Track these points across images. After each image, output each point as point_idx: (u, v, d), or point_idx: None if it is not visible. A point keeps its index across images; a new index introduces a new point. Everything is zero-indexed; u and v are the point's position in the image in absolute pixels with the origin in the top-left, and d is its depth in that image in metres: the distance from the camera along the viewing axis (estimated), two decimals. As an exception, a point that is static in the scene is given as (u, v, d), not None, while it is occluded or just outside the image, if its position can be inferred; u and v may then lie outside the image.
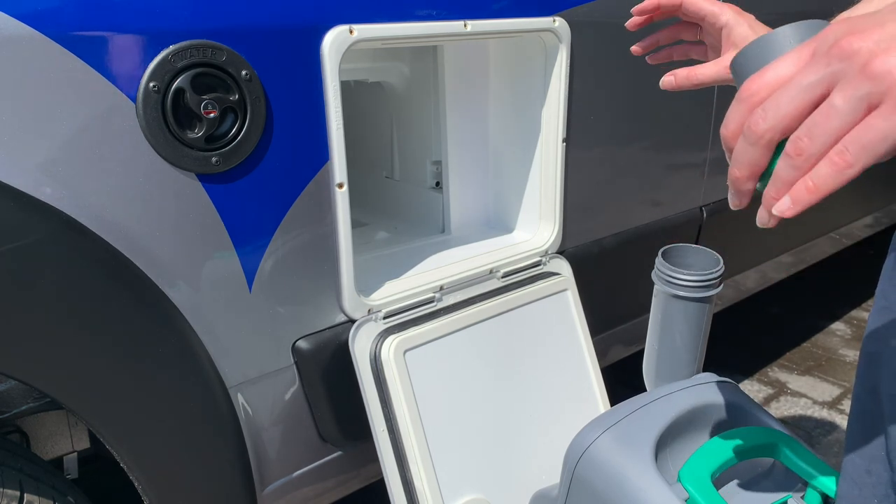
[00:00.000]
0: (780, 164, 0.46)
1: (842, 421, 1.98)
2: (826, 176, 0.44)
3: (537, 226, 1.29)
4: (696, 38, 0.93)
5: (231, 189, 0.88)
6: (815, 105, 0.45)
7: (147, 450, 0.89)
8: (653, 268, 1.03)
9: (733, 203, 0.51)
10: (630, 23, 0.94)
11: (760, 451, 0.90)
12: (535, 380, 1.20)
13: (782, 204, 0.46)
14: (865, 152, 0.43)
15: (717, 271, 1.00)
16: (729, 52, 0.87)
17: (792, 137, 0.45)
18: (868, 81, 0.42)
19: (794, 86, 0.45)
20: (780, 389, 2.17)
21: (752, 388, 2.17)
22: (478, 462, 1.10)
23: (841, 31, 0.44)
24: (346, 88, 1.20)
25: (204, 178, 0.85)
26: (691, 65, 0.88)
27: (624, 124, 1.35)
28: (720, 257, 1.03)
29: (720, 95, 1.50)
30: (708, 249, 1.04)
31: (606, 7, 1.24)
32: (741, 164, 0.48)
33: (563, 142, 1.23)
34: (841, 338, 2.47)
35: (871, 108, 0.43)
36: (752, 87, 0.48)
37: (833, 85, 0.44)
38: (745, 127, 0.48)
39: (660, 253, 1.03)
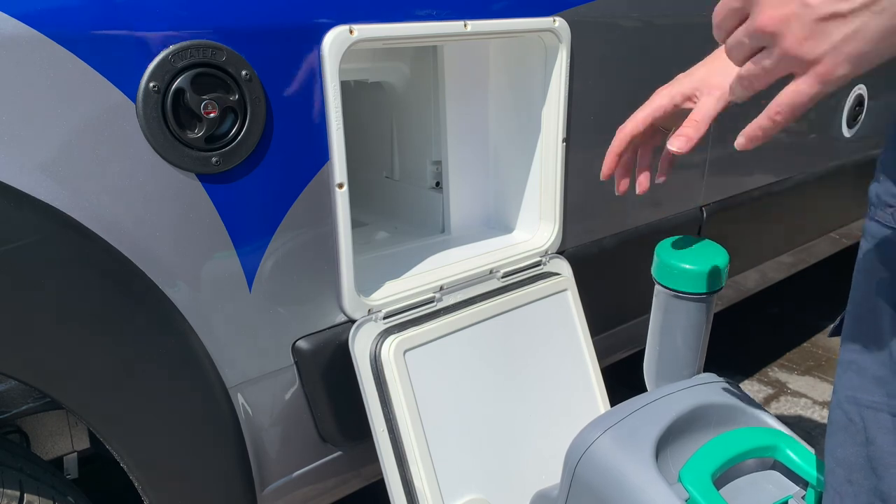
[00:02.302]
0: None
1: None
2: (767, 127, 0.59)
3: (537, 226, 1.29)
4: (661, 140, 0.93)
5: (231, 189, 0.88)
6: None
7: (147, 450, 0.88)
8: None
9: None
10: (605, 172, 0.95)
11: (761, 451, 0.90)
12: (536, 380, 1.20)
13: (739, 140, 0.63)
14: (792, 112, 0.57)
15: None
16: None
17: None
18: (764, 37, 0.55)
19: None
20: (780, 389, 2.17)
21: (752, 388, 2.17)
22: (478, 462, 1.10)
23: None
24: (346, 88, 1.19)
25: (204, 178, 0.85)
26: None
27: (624, 124, 1.35)
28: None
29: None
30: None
31: (606, 7, 1.24)
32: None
33: (563, 142, 1.22)
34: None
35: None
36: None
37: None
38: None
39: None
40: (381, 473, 1.03)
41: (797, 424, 1.98)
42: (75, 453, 1.10)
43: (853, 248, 2.39)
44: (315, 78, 0.91)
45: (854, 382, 0.68)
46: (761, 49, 0.56)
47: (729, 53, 0.60)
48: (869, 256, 0.67)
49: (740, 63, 0.59)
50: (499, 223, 1.37)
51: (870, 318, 0.67)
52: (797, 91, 0.55)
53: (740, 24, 0.57)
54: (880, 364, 0.65)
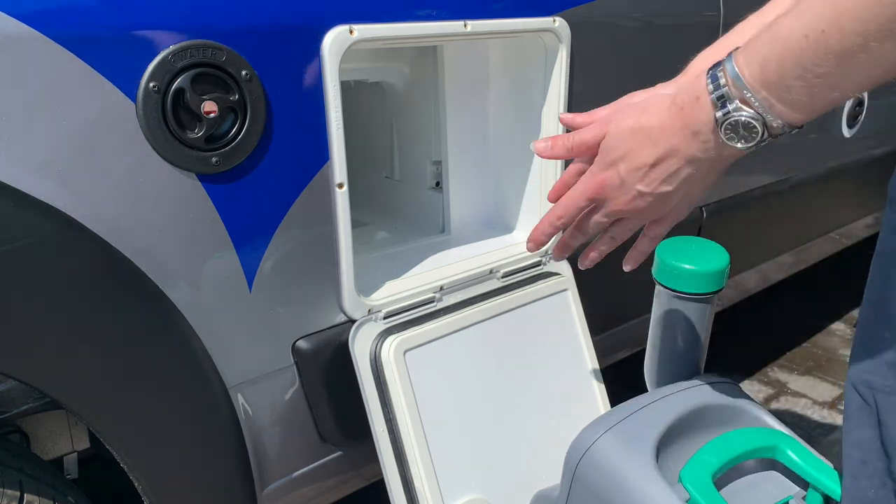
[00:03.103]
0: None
1: (842, 421, 1.98)
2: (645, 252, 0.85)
3: (537, 226, 1.29)
4: None
5: (231, 189, 0.88)
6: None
7: (147, 450, 0.88)
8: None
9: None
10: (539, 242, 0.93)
11: (761, 451, 0.90)
12: (536, 380, 1.20)
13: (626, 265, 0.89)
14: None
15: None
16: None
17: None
18: (612, 216, 0.78)
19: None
20: (780, 389, 2.17)
21: (752, 388, 2.17)
22: (478, 462, 1.10)
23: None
24: (346, 88, 1.19)
25: (204, 178, 0.85)
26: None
27: (624, 124, 1.35)
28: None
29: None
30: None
31: (606, 7, 1.24)
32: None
33: (563, 142, 1.22)
34: (841, 338, 2.47)
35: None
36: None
37: None
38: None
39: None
40: (381, 473, 1.03)
41: (797, 424, 1.98)
42: (75, 453, 1.10)
43: (853, 248, 2.40)
44: (315, 78, 0.91)
45: (868, 366, 0.70)
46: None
47: (584, 232, 0.81)
48: (886, 245, 0.70)
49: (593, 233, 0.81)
50: (499, 223, 1.37)
51: (885, 305, 0.69)
52: (659, 229, 0.79)
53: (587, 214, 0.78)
54: (894, 349, 0.67)
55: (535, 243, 0.84)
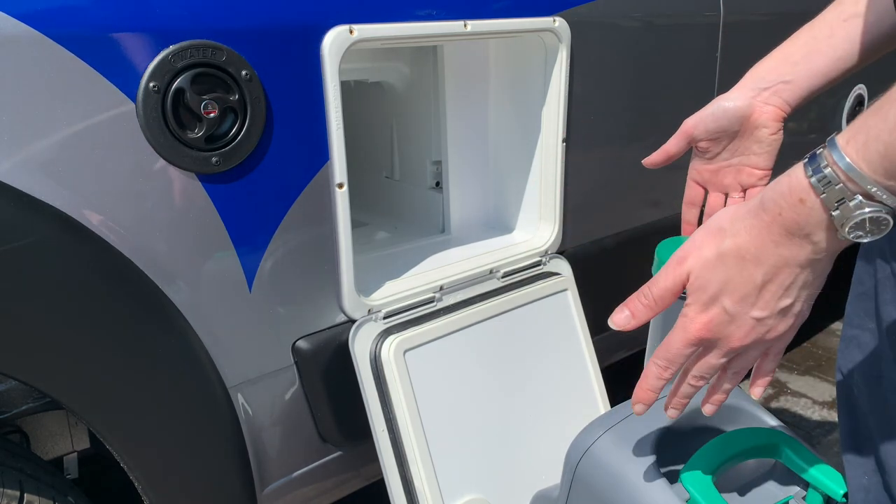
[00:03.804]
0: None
1: (842, 421, 1.98)
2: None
3: (537, 226, 1.29)
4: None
5: (231, 189, 0.88)
6: None
7: (147, 450, 0.88)
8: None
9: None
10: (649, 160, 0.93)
11: (761, 451, 0.90)
12: (536, 380, 1.20)
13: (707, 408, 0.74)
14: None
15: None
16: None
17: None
18: (730, 354, 0.63)
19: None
20: (780, 389, 2.17)
21: (752, 388, 2.16)
22: (478, 462, 1.10)
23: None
24: (346, 88, 1.19)
25: (204, 178, 0.85)
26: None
27: (624, 124, 1.35)
28: None
29: (720, 94, 1.50)
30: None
31: (606, 7, 1.24)
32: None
33: (563, 142, 1.22)
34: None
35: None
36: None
37: None
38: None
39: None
40: (381, 473, 1.03)
41: (797, 424, 1.98)
42: (75, 453, 1.10)
43: (853, 248, 2.40)
44: (315, 78, 0.91)
45: (855, 356, 0.71)
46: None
47: (700, 377, 0.68)
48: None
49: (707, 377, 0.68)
50: (499, 223, 1.37)
51: (869, 297, 0.70)
52: (783, 344, 0.64)
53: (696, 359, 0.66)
54: (877, 339, 0.69)
55: (643, 404, 0.72)
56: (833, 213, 0.52)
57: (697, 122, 0.86)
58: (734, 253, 0.58)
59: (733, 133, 0.83)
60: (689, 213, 0.92)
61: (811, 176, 0.52)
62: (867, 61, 0.76)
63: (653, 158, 0.91)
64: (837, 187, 0.51)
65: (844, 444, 0.76)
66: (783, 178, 0.55)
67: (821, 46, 0.76)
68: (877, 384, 0.69)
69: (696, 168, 0.89)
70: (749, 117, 0.81)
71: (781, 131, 0.82)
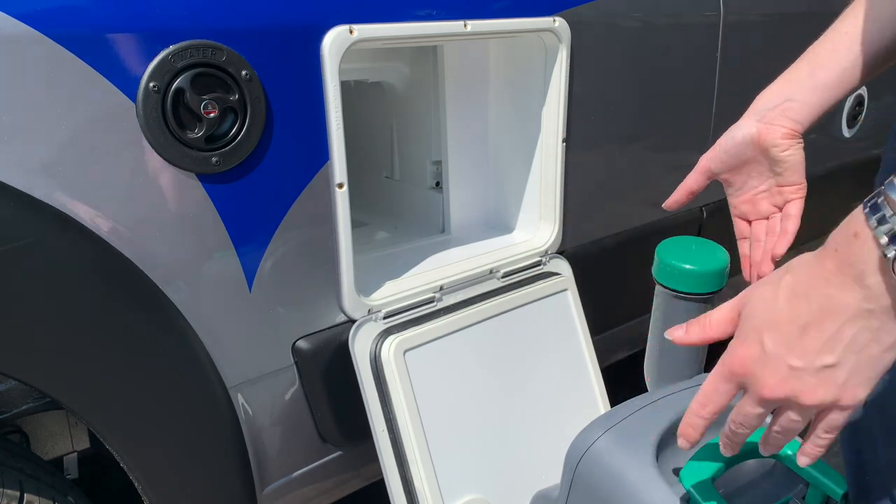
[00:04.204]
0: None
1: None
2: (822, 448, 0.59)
3: (537, 226, 1.29)
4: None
5: (231, 189, 0.88)
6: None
7: (147, 450, 0.88)
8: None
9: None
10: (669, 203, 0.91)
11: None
12: (536, 380, 1.20)
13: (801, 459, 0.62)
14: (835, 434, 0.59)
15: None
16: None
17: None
18: (763, 405, 0.58)
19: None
20: (780, 389, 2.16)
21: (752, 388, 2.16)
22: (478, 462, 1.10)
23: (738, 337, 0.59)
24: (346, 88, 1.19)
25: (204, 178, 0.85)
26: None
27: (624, 124, 1.35)
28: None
29: (720, 95, 1.50)
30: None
31: (606, 7, 1.24)
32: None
33: (563, 142, 1.22)
34: (841, 338, 2.46)
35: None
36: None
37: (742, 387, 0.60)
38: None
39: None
40: (381, 473, 1.03)
41: (797, 424, 1.98)
42: (75, 453, 1.10)
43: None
44: (315, 78, 0.91)
45: None
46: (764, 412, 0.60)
47: (740, 424, 0.62)
48: None
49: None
50: (499, 223, 1.37)
51: None
52: (835, 419, 0.56)
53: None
54: None
55: (688, 440, 0.67)
56: (886, 253, 0.48)
57: (712, 157, 0.85)
58: (788, 287, 0.55)
59: (750, 159, 0.83)
60: (742, 247, 0.91)
61: (868, 214, 0.50)
62: (873, 73, 0.74)
63: (675, 198, 0.90)
64: (891, 219, 0.48)
65: (845, 446, 0.76)
66: (846, 220, 0.53)
67: (824, 62, 0.75)
68: (878, 384, 0.69)
69: (733, 203, 0.88)
70: (758, 141, 0.80)
71: (798, 146, 0.78)
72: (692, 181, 0.89)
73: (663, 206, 0.90)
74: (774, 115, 0.78)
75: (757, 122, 0.80)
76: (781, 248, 0.82)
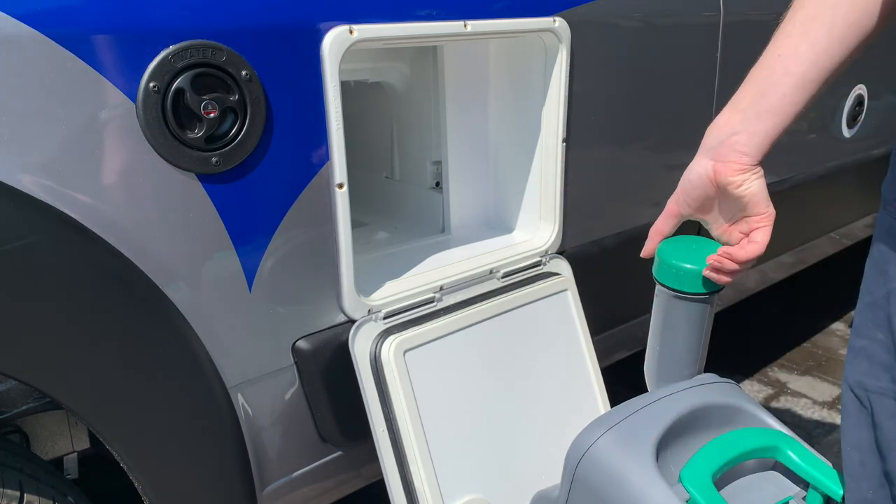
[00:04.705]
0: None
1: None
2: None
3: (537, 226, 1.29)
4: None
5: (231, 189, 0.88)
6: None
7: (147, 450, 0.88)
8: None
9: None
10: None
11: (762, 451, 0.90)
12: (536, 380, 1.20)
13: None
14: None
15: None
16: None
17: None
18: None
19: None
20: (780, 389, 2.17)
21: (752, 388, 2.17)
22: (478, 462, 1.10)
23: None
24: (346, 88, 1.19)
25: (204, 178, 0.85)
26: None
27: (624, 124, 1.35)
28: None
29: (720, 94, 1.50)
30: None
31: (606, 7, 1.24)
32: None
33: (563, 142, 1.22)
34: (841, 338, 2.47)
35: None
36: None
37: None
38: None
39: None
40: (381, 473, 1.03)
41: (797, 424, 1.98)
42: (75, 453, 1.10)
43: (853, 249, 2.41)
44: (315, 78, 0.91)
45: (863, 368, 0.71)
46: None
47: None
48: (880, 247, 0.70)
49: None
50: (499, 223, 1.37)
51: (880, 307, 0.69)
52: None
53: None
54: (887, 351, 0.67)
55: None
56: None
57: (677, 200, 0.87)
58: None
59: (712, 196, 0.83)
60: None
61: None
62: (820, 90, 0.73)
63: (648, 246, 0.95)
64: None
65: (848, 457, 0.75)
66: None
67: (764, 88, 0.74)
68: (886, 397, 0.68)
69: (712, 235, 0.91)
70: (714, 180, 0.80)
71: (754, 178, 0.78)
72: (662, 224, 0.91)
73: (641, 255, 0.94)
74: (724, 152, 0.78)
75: (709, 160, 0.80)
76: (740, 260, 0.84)
